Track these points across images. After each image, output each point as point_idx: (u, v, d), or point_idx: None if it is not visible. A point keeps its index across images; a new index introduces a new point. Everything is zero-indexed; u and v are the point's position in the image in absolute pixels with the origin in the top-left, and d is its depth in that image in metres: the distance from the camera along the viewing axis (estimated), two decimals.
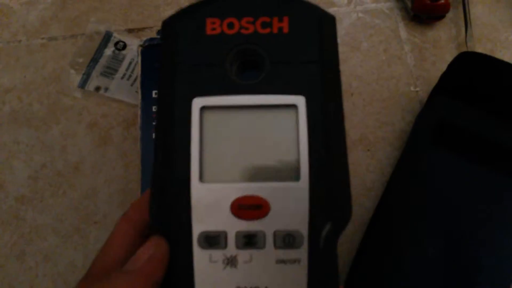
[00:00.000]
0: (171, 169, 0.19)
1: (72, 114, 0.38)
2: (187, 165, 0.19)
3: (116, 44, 0.40)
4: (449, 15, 0.40)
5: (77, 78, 0.39)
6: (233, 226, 0.18)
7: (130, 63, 0.39)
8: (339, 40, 0.41)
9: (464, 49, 0.38)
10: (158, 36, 0.35)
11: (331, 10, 0.42)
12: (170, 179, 0.19)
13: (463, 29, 0.39)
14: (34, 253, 0.34)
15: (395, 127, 0.37)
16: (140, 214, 0.21)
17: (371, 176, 0.35)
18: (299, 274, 0.18)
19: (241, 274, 0.18)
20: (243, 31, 0.20)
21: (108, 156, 0.36)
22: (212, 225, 0.18)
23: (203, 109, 0.19)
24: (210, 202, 0.19)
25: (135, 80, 0.39)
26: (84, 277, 0.19)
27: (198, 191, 0.19)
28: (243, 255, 0.18)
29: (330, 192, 0.19)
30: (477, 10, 0.41)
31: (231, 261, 0.18)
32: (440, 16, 0.40)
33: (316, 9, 0.21)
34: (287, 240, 0.18)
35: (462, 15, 0.40)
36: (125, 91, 0.38)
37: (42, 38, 0.41)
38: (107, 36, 0.40)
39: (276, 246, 0.18)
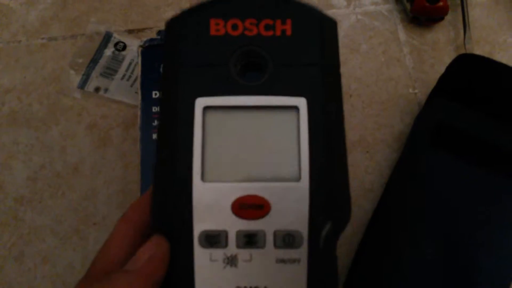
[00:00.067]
0: (173, 168, 0.19)
1: (72, 115, 0.38)
2: (189, 164, 0.19)
3: (116, 44, 0.40)
4: (448, 17, 0.41)
5: (76, 79, 0.39)
6: (234, 225, 0.19)
7: (130, 64, 0.39)
8: (339, 42, 0.41)
9: (462, 51, 0.38)
10: (158, 37, 0.35)
11: (330, 12, 0.42)
12: (172, 178, 0.19)
13: (461, 31, 0.39)
14: (33, 255, 0.34)
15: (394, 129, 0.37)
16: (139, 214, 0.21)
17: (370, 177, 0.35)
18: (299, 273, 0.18)
19: (241, 273, 0.18)
20: (246, 32, 0.20)
21: (107, 157, 0.36)
22: (213, 224, 0.19)
23: (206, 109, 0.20)
24: (211, 201, 0.19)
25: (134, 81, 0.39)
26: (83, 278, 0.19)
27: (200, 190, 0.19)
28: (243, 254, 0.18)
29: (330, 193, 0.19)
30: (475, 13, 0.41)
31: (231, 260, 0.18)
32: (439, 18, 0.40)
33: (319, 13, 0.21)
34: (287, 239, 0.18)
35: (460, 18, 0.40)
36: (124, 92, 0.38)
37: (42, 38, 0.41)
38: (107, 37, 0.40)
39: (276, 245, 0.18)
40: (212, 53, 0.20)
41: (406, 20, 0.41)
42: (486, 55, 0.34)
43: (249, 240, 0.18)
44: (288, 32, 0.20)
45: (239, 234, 0.19)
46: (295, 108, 0.20)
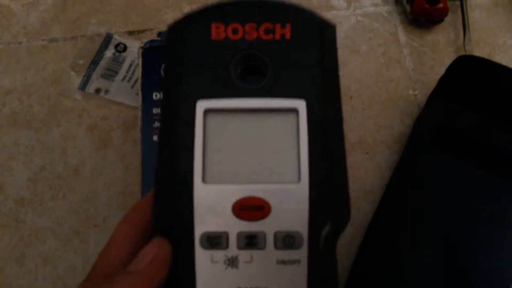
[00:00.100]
0: (175, 170, 0.19)
1: (72, 116, 0.38)
2: (190, 166, 0.19)
3: (116, 46, 0.40)
4: (448, 19, 0.41)
5: (77, 80, 0.39)
6: (235, 226, 0.19)
7: (130, 65, 0.39)
8: (339, 43, 0.41)
9: (462, 53, 0.39)
10: (159, 38, 0.35)
11: (331, 14, 0.42)
12: (173, 180, 0.19)
13: (461, 33, 0.40)
14: (33, 256, 0.34)
15: (394, 130, 0.37)
16: (140, 216, 0.21)
17: (370, 179, 0.35)
18: (299, 274, 0.18)
19: (242, 274, 0.18)
20: (246, 36, 0.21)
21: (108, 159, 0.36)
22: (214, 226, 0.19)
23: (206, 111, 0.20)
24: (212, 203, 0.19)
25: (135, 82, 0.39)
26: (85, 280, 0.19)
27: (201, 192, 0.19)
28: (244, 255, 0.19)
29: (330, 194, 0.19)
30: (475, 14, 0.41)
31: (232, 262, 0.19)
32: (439, 20, 0.40)
33: (317, 18, 0.22)
34: (287, 241, 0.19)
35: (460, 19, 0.40)
36: (125, 93, 0.38)
37: (43, 40, 0.41)
38: (108, 38, 0.40)
39: (276, 246, 0.19)
40: (213, 57, 0.21)
41: (406, 22, 0.41)
42: (485, 56, 0.34)
43: (250, 241, 0.19)
44: (288, 36, 0.21)
45: (239, 235, 0.19)
46: (295, 111, 0.20)
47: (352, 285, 0.30)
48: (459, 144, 0.31)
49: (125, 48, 0.40)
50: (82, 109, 0.38)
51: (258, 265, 0.19)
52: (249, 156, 0.20)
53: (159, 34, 0.37)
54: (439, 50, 0.40)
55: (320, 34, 0.21)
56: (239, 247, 0.19)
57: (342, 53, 0.40)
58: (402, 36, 0.41)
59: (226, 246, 0.19)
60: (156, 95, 0.34)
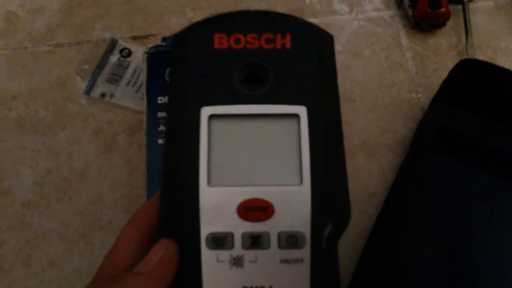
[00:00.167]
0: (181, 174, 0.20)
1: (78, 121, 0.39)
2: (195, 169, 0.20)
3: (121, 51, 0.40)
4: (450, 23, 0.41)
5: (82, 85, 0.39)
6: (240, 227, 0.19)
7: (135, 70, 0.40)
8: (341, 47, 0.41)
9: (464, 57, 0.39)
10: (164, 43, 0.36)
11: (333, 18, 0.42)
12: (179, 183, 0.20)
13: (463, 36, 0.40)
14: (40, 259, 0.34)
15: (397, 133, 0.37)
16: (146, 219, 0.21)
17: (374, 182, 0.36)
18: (302, 273, 0.19)
19: (247, 273, 0.19)
20: (248, 46, 0.22)
21: (113, 162, 0.37)
22: (219, 227, 0.19)
23: (211, 117, 0.21)
24: (217, 205, 0.19)
25: (140, 86, 0.39)
26: (91, 282, 0.19)
27: (206, 194, 0.20)
28: (249, 255, 0.19)
29: (330, 196, 0.20)
30: (477, 18, 0.41)
31: (237, 261, 0.19)
32: (441, 24, 0.41)
33: (316, 28, 0.23)
34: (290, 240, 0.19)
35: (462, 23, 0.40)
36: (130, 97, 0.39)
37: (48, 45, 0.42)
38: (113, 43, 0.41)
39: (280, 246, 0.19)
40: (216, 65, 0.21)
41: (408, 26, 0.42)
42: (488, 60, 0.34)
43: (255, 241, 0.19)
44: (288, 46, 0.22)
45: (244, 235, 0.19)
46: (296, 116, 0.21)
47: (356, 287, 0.30)
48: (461, 147, 0.31)
49: (129, 53, 0.40)
50: (87, 114, 0.39)
51: (263, 264, 0.19)
52: (252, 160, 0.20)
53: (164, 39, 0.38)
54: (441, 53, 0.40)
55: (319, 43, 0.22)
56: (244, 247, 0.19)
57: (345, 57, 0.40)
58: (404, 40, 0.41)
59: (232, 246, 0.19)
60: (161, 99, 0.34)
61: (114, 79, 0.39)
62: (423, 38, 0.41)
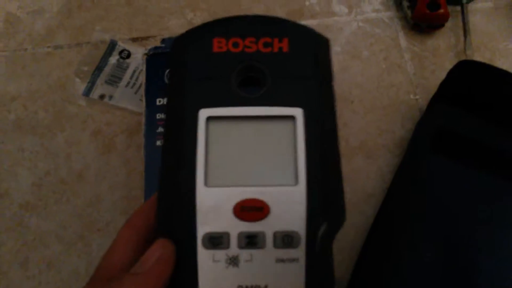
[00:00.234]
0: (178, 174, 0.20)
1: (77, 122, 0.39)
2: (193, 170, 0.20)
3: (120, 52, 0.40)
4: (448, 24, 0.41)
5: (82, 86, 0.39)
6: (236, 227, 0.19)
7: (134, 72, 0.40)
8: (340, 48, 0.42)
9: (463, 58, 0.39)
10: (163, 45, 0.36)
11: (332, 20, 0.42)
12: (176, 183, 0.20)
13: (462, 38, 0.40)
14: (37, 260, 0.34)
15: (395, 134, 0.37)
16: (143, 220, 0.21)
17: (372, 182, 0.36)
18: (298, 272, 0.19)
19: (243, 272, 0.19)
20: (246, 49, 0.22)
21: (112, 164, 0.37)
22: (215, 227, 0.19)
23: (209, 119, 0.21)
24: (214, 205, 0.20)
25: (139, 88, 0.39)
26: (88, 283, 0.19)
27: (203, 194, 0.20)
28: (245, 254, 0.19)
29: (325, 196, 0.20)
30: (476, 19, 0.41)
31: (233, 261, 0.19)
32: (440, 25, 0.41)
33: (313, 32, 0.23)
34: (286, 240, 0.19)
35: (461, 24, 0.40)
36: (129, 99, 0.39)
37: (48, 47, 0.42)
38: (112, 45, 0.41)
39: (275, 246, 0.19)
40: (214, 68, 0.22)
41: (407, 27, 0.42)
42: (486, 61, 0.35)
43: (250, 241, 0.19)
44: (285, 49, 0.22)
45: (240, 235, 0.19)
46: (292, 118, 0.21)
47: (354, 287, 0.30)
48: (459, 148, 0.31)
49: (129, 55, 0.40)
50: (86, 115, 0.39)
51: (258, 264, 0.19)
52: (249, 161, 0.21)
53: (163, 40, 0.38)
54: (440, 55, 0.40)
55: (315, 47, 0.23)
56: (240, 247, 0.19)
57: (344, 59, 0.40)
58: (403, 41, 0.41)
59: (228, 246, 0.19)
60: (160, 101, 0.34)
61: (113, 80, 0.39)
62: (421, 39, 0.41)
